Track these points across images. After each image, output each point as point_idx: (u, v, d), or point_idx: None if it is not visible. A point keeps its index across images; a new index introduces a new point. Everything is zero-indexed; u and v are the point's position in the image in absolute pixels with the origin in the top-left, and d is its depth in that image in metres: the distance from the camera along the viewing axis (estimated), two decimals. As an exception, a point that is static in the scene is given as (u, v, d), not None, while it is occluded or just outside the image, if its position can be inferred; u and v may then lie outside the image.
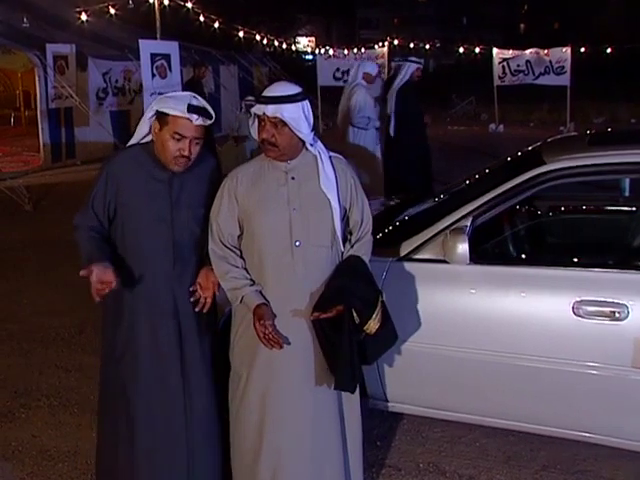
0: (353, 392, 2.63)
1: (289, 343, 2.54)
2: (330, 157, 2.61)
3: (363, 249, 2.65)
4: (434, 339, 3.13)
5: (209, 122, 2.57)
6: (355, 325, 2.50)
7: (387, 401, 3.32)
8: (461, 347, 3.08)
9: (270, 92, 2.49)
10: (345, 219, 2.65)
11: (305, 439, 2.60)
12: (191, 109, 2.50)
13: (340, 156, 2.70)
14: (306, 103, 2.51)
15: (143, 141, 2.69)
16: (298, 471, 2.59)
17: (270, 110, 2.45)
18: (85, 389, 4.08)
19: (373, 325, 2.52)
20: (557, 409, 3.02)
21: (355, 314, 2.50)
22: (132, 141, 2.71)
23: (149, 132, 2.64)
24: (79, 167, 11.75)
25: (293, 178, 2.56)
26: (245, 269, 2.60)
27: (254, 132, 2.58)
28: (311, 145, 2.56)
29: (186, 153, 2.54)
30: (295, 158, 2.57)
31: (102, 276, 2.44)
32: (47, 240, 7.25)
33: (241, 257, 2.63)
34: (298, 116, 2.46)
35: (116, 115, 12.86)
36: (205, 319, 2.73)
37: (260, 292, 2.57)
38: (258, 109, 2.50)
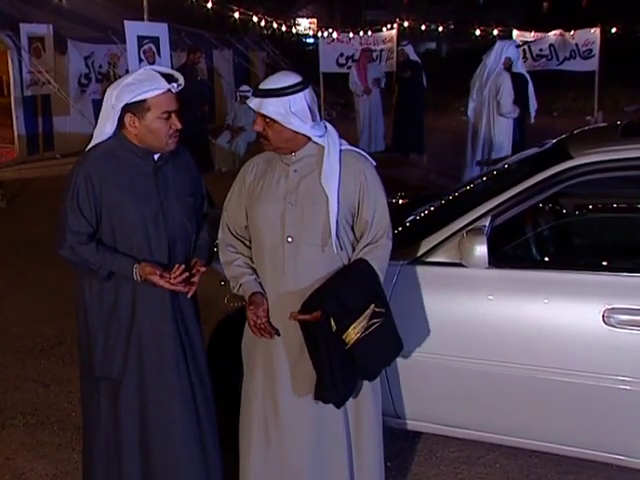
0: (338, 406, 2.64)
1: (279, 334, 2.67)
2: (341, 150, 2.64)
3: (372, 253, 2.66)
4: (450, 350, 3.13)
5: (182, 84, 2.66)
6: (332, 332, 2.52)
7: (398, 418, 3.32)
8: (480, 359, 3.08)
9: (262, 83, 2.62)
10: (354, 220, 2.68)
11: (301, 452, 2.70)
12: (169, 79, 2.59)
13: (356, 150, 2.73)
14: (297, 97, 2.55)
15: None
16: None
17: (255, 104, 2.59)
18: (66, 405, 4.08)
19: (353, 335, 2.52)
20: (587, 428, 3.02)
21: (332, 321, 2.52)
22: (95, 143, 2.70)
23: (115, 131, 2.66)
24: (58, 160, 11.69)
25: (295, 171, 2.65)
26: (250, 258, 2.77)
27: None
28: (320, 137, 2.61)
29: (179, 126, 2.64)
30: (300, 150, 2.64)
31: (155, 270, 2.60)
32: (23, 241, 7.25)
33: (249, 247, 2.78)
34: (285, 111, 2.54)
35: (99, 103, 12.78)
36: (197, 314, 2.86)
37: (260, 283, 2.72)
38: (249, 100, 2.64)
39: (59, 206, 2.67)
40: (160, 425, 2.72)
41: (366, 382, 2.72)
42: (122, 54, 11.94)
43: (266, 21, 18.21)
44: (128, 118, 2.60)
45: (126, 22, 9.40)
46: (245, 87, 11.44)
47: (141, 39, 9.21)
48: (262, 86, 2.59)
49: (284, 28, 19.78)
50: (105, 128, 2.66)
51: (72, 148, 11.89)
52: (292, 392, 2.69)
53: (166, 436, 2.72)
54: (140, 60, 9.08)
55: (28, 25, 11.45)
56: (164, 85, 2.57)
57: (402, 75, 11.65)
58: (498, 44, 7.42)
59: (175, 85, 2.61)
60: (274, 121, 2.55)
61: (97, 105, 12.91)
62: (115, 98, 2.59)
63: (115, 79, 12.44)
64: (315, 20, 34.79)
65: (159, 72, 2.61)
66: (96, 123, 2.73)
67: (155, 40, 9.37)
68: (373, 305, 2.57)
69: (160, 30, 9.66)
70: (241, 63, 16.77)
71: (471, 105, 7.48)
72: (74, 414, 3.94)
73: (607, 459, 3.07)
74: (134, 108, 2.57)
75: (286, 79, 2.57)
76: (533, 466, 3.48)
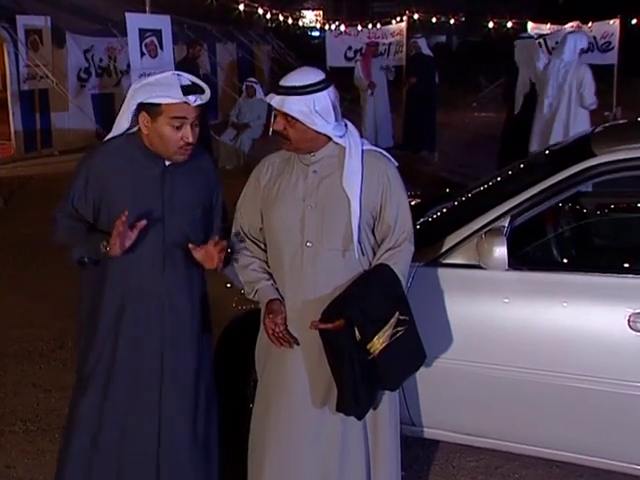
0: (359, 418, 2.62)
1: (298, 344, 2.63)
2: (363, 151, 2.63)
3: (395, 258, 2.63)
4: (467, 355, 3.12)
5: (207, 99, 2.60)
6: (356, 342, 2.50)
7: (413, 426, 3.30)
8: (498, 365, 3.07)
9: (283, 80, 2.57)
10: (375, 223, 2.67)
11: (317, 464, 2.67)
12: (186, 91, 2.53)
13: (378, 150, 2.72)
14: (321, 95, 2.53)
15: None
16: None
17: (276, 101, 2.55)
18: (67, 411, 4.06)
19: (378, 344, 2.50)
20: (610, 438, 3.00)
21: (357, 330, 2.50)
22: (111, 135, 2.71)
23: (129, 127, 2.66)
24: (57, 158, 11.75)
25: (315, 172, 2.62)
26: (266, 262, 2.73)
27: None
28: (341, 136, 2.59)
29: (190, 140, 2.58)
30: (320, 150, 2.61)
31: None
32: (21, 241, 7.25)
33: (264, 250, 2.74)
34: (308, 110, 2.51)
35: (98, 99, 12.87)
36: (196, 329, 2.77)
37: (276, 289, 2.68)
38: (269, 97, 2.59)
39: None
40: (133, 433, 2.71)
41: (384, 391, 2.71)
42: (123, 47, 11.97)
43: (272, 14, 18.23)
44: (142, 117, 2.59)
45: (127, 14, 9.39)
46: (253, 79, 11.51)
47: (143, 32, 9.19)
48: (284, 83, 2.55)
49: (290, 21, 19.80)
50: (121, 122, 2.66)
51: (71, 145, 11.94)
52: (309, 402, 2.65)
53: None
54: (142, 54, 9.08)
55: (25, 17, 11.47)
56: (178, 96, 2.51)
57: (409, 82, 11.64)
58: (570, 37, 7.57)
59: (192, 98, 2.52)
60: (296, 120, 2.52)
61: (97, 100, 12.98)
62: (132, 94, 2.59)
63: (116, 74, 12.40)
64: (321, 12, 34.80)
65: (188, 82, 2.55)
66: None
67: (157, 33, 9.35)
68: (397, 313, 2.55)
69: (162, 23, 9.65)
70: (245, 57, 16.80)
71: (547, 102, 7.54)
72: (76, 421, 3.94)
73: (633, 471, 3.04)
74: (149, 108, 2.56)
75: (310, 76, 2.54)
76: (554, 477, 3.47)
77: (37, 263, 6.54)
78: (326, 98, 2.54)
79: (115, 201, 2.61)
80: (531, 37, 8.64)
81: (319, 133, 2.55)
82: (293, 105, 2.50)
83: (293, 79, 2.55)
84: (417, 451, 3.64)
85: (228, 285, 3.33)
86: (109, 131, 2.77)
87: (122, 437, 2.70)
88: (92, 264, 2.63)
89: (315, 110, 2.50)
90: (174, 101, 2.52)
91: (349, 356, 2.49)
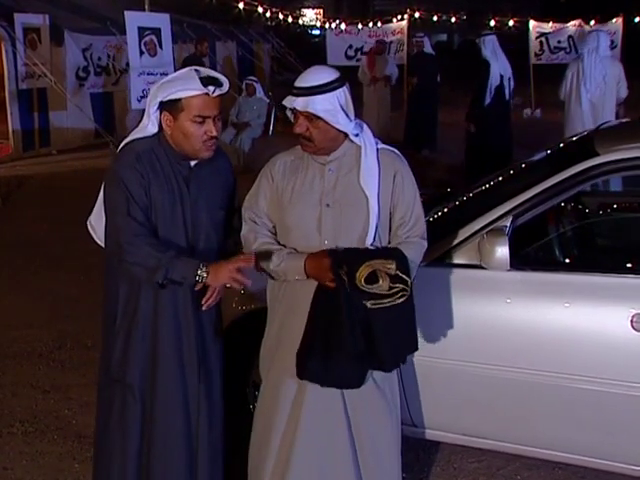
0: (315, 380, 2.59)
1: None
2: (377, 149, 2.65)
3: (405, 245, 2.64)
4: (469, 356, 3.12)
5: (225, 90, 2.60)
6: (344, 282, 2.47)
7: (414, 427, 3.31)
8: (500, 365, 3.08)
9: (300, 81, 2.57)
10: (391, 221, 2.68)
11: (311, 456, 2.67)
12: (205, 81, 2.54)
13: (391, 149, 2.74)
14: (341, 91, 2.56)
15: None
16: None
17: (299, 104, 2.55)
18: (66, 412, 4.07)
19: (363, 273, 2.46)
20: (614, 439, 3.00)
21: (345, 268, 2.48)
22: (133, 137, 2.69)
23: (159, 130, 2.65)
24: (55, 157, 11.75)
25: (331, 171, 2.64)
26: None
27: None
28: (356, 135, 2.61)
29: (214, 134, 2.59)
30: (336, 150, 2.63)
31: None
32: (20, 241, 7.26)
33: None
34: (333, 108, 2.52)
35: (97, 97, 12.85)
36: (219, 326, 2.82)
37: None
38: (288, 101, 2.58)
39: (109, 211, 2.62)
40: (158, 441, 2.72)
41: (381, 393, 2.70)
42: (122, 46, 11.96)
43: (271, 12, 18.23)
44: (164, 116, 2.60)
45: (126, 12, 9.39)
46: (252, 77, 11.53)
47: (142, 30, 9.19)
48: (303, 84, 2.55)
49: (290, 19, 19.81)
50: (148, 127, 2.66)
51: (69, 144, 11.94)
52: (320, 404, 2.64)
53: (163, 452, 2.73)
54: (141, 52, 9.07)
55: (23, 15, 11.45)
56: (198, 87, 2.52)
57: (411, 82, 11.67)
58: (602, 34, 7.78)
59: (212, 89, 2.53)
60: (320, 120, 2.53)
61: (95, 99, 12.97)
62: (153, 95, 2.60)
63: (115, 72, 12.30)
64: (321, 11, 34.84)
65: (206, 74, 2.56)
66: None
67: (157, 31, 9.34)
68: (395, 265, 2.50)
69: (162, 21, 9.64)
70: (245, 55, 16.80)
71: (586, 97, 7.55)
72: (75, 422, 3.95)
73: (636, 472, 3.05)
74: (170, 106, 2.57)
75: (325, 74, 2.56)
76: (556, 479, 3.47)
77: (36, 263, 6.54)
78: (346, 94, 2.57)
79: (154, 202, 2.62)
80: (493, 33, 9.06)
81: (339, 131, 2.57)
82: (318, 104, 2.51)
83: (311, 79, 2.55)
84: (418, 452, 3.65)
85: (228, 285, 3.33)
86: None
87: (166, 440, 2.72)
88: (175, 285, 2.60)
89: (339, 106, 2.52)
90: (194, 93, 2.53)
91: (344, 298, 2.48)
